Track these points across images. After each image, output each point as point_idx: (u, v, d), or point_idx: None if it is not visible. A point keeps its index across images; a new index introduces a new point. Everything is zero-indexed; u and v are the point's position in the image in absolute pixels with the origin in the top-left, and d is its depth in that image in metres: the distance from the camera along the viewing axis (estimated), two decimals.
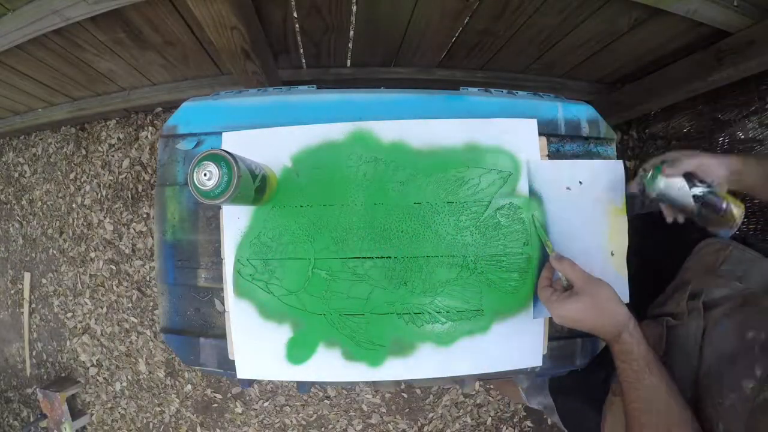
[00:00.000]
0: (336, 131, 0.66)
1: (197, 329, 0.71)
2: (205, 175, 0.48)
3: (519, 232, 0.67)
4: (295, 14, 1.16)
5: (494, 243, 0.66)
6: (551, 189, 0.68)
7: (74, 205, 1.98)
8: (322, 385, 1.75)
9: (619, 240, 0.69)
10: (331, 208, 0.65)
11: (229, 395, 1.87)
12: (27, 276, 2.03)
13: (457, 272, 0.66)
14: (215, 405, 1.88)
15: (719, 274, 0.65)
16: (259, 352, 0.67)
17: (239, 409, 1.86)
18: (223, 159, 0.48)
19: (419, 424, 1.82)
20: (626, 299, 0.68)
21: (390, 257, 0.65)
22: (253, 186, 0.54)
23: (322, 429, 1.80)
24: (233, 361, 0.68)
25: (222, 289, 0.67)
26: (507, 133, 0.67)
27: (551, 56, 1.36)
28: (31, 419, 2.04)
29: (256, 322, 0.67)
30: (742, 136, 1.29)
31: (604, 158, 0.73)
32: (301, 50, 1.36)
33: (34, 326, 2.05)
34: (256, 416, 1.85)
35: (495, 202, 0.66)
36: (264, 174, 0.58)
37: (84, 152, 1.97)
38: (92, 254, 1.95)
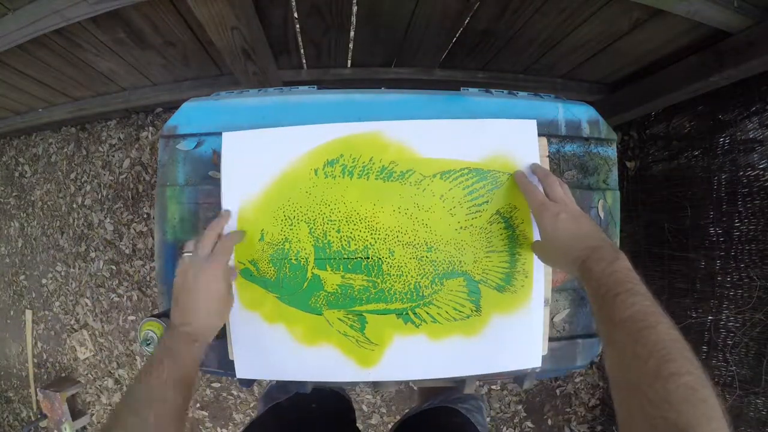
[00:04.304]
0: (336, 132, 0.66)
1: None
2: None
3: (519, 233, 0.66)
4: (295, 14, 1.16)
5: (494, 244, 0.66)
6: None
7: (75, 205, 1.98)
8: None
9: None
10: (329, 210, 0.65)
11: (229, 395, 1.87)
12: (28, 314, 2.03)
13: (457, 273, 0.66)
14: (216, 404, 1.88)
15: None
16: (257, 353, 0.67)
17: (239, 409, 1.86)
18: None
19: None
20: None
21: (388, 257, 0.65)
22: None
23: None
24: (233, 361, 0.68)
25: None
26: (506, 133, 0.67)
27: (552, 57, 1.36)
28: (32, 419, 2.05)
29: (255, 324, 0.66)
30: (743, 137, 1.29)
31: (604, 158, 0.73)
32: (302, 51, 1.36)
33: (35, 326, 2.05)
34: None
35: (495, 203, 0.66)
36: None
37: (84, 152, 1.97)
38: (92, 254, 1.95)
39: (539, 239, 0.61)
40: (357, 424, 0.90)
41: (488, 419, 1.83)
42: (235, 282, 0.66)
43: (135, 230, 1.91)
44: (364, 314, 0.66)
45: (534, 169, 0.64)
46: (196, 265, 0.56)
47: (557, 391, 1.86)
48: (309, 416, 0.76)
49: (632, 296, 0.42)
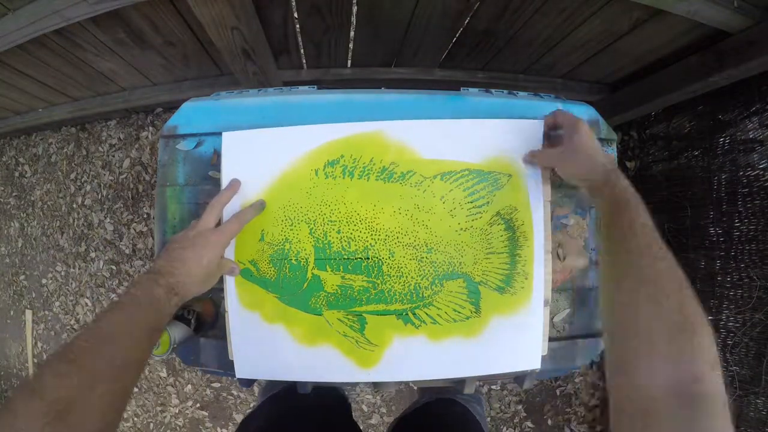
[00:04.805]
0: (336, 132, 0.66)
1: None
2: None
3: (519, 234, 0.66)
4: (295, 14, 1.16)
5: (494, 245, 0.66)
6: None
7: (75, 205, 1.98)
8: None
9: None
10: (330, 210, 0.65)
11: (229, 395, 1.87)
12: (28, 314, 2.03)
13: (457, 274, 0.66)
14: (216, 404, 1.88)
15: None
16: (257, 353, 0.67)
17: (239, 409, 1.86)
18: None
19: None
20: None
21: (388, 258, 0.65)
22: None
23: None
24: (233, 361, 0.68)
25: (222, 289, 0.67)
26: (511, 134, 0.67)
27: (552, 57, 1.35)
28: None
29: (255, 324, 0.66)
30: (743, 137, 1.29)
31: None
32: (302, 51, 1.36)
33: (35, 326, 2.05)
34: None
35: (495, 204, 0.66)
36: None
37: (84, 152, 1.97)
38: (92, 254, 1.95)
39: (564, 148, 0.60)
40: (355, 421, 0.91)
41: (488, 419, 1.83)
42: (234, 281, 0.66)
43: (135, 230, 1.90)
44: (363, 315, 0.66)
45: (552, 119, 0.65)
46: (199, 230, 0.57)
47: (557, 391, 1.86)
48: (304, 405, 0.76)
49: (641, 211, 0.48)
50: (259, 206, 0.64)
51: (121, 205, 1.91)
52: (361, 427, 1.55)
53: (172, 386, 1.90)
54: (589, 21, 1.11)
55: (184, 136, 0.70)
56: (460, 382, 0.75)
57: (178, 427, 1.91)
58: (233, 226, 0.60)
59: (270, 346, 0.67)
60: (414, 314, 0.66)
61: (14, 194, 2.08)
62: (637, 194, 0.50)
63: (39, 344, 2.04)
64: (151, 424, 1.93)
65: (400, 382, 0.74)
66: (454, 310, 0.66)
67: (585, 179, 0.57)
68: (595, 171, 0.55)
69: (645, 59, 1.32)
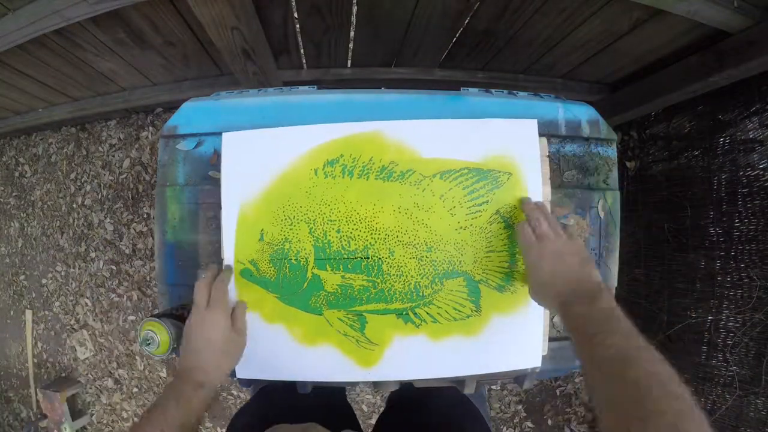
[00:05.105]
0: (336, 132, 0.66)
1: None
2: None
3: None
4: (295, 14, 1.16)
5: (494, 244, 0.66)
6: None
7: (75, 205, 1.98)
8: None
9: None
10: (329, 210, 0.65)
11: (229, 395, 1.87)
12: (28, 314, 2.03)
13: (457, 273, 0.66)
14: (215, 404, 1.88)
15: None
16: (257, 353, 0.67)
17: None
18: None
19: None
20: None
21: (388, 257, 0.65)
22: None
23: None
24: None
25: None
26: (507, 133, 0.67)
27: (552, 57, 1.36)
28: (32, 419, 2.05)
29: (255, 324, 0.66)
30: (743, 137, 1.29)
31: (604, 158, 0.72)
32: (302, 50, 1.36)
33: (35, 326, 2.05)
34: None
35: (495, 203, 0.66)
36: None
37: (84, 152, 1.97)
38: (92, 254, 1.95)
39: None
40: (349, 403, 0.90)
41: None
42: (234, 281, 0.66)
43: (135, 230, 1.90)
44: (364, 314, 0.66)
45: (521, 204, 0.65)
46: (198, 313, 0.58)
47: (557, 391, 1.86)
48: (303, 404, 0.75)
49: (610, 337, 0.42)
50: (228, 270, 0.65)
51: (121, 205, 1.91)
52: (361, 427, 1.55)
53: None
54: (589, 21, 1.11)
55: (184, 136, 0.70)
56: (461, 382, 0.75)
57: None
58: (219, 296, 0.60)
59: (270, 346, 0.67)
60: (414, 313, 0.66)
61: (14, 194, 2.08)
62: (617, 310, 0.44)
63: (39, 344, 2.04)
64: None
65: (401, 382, 0.74)
66: (455, 309, 0.66)
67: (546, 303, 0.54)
68: (548, 305, 0.51)
69: (645, 59, 1.32)
